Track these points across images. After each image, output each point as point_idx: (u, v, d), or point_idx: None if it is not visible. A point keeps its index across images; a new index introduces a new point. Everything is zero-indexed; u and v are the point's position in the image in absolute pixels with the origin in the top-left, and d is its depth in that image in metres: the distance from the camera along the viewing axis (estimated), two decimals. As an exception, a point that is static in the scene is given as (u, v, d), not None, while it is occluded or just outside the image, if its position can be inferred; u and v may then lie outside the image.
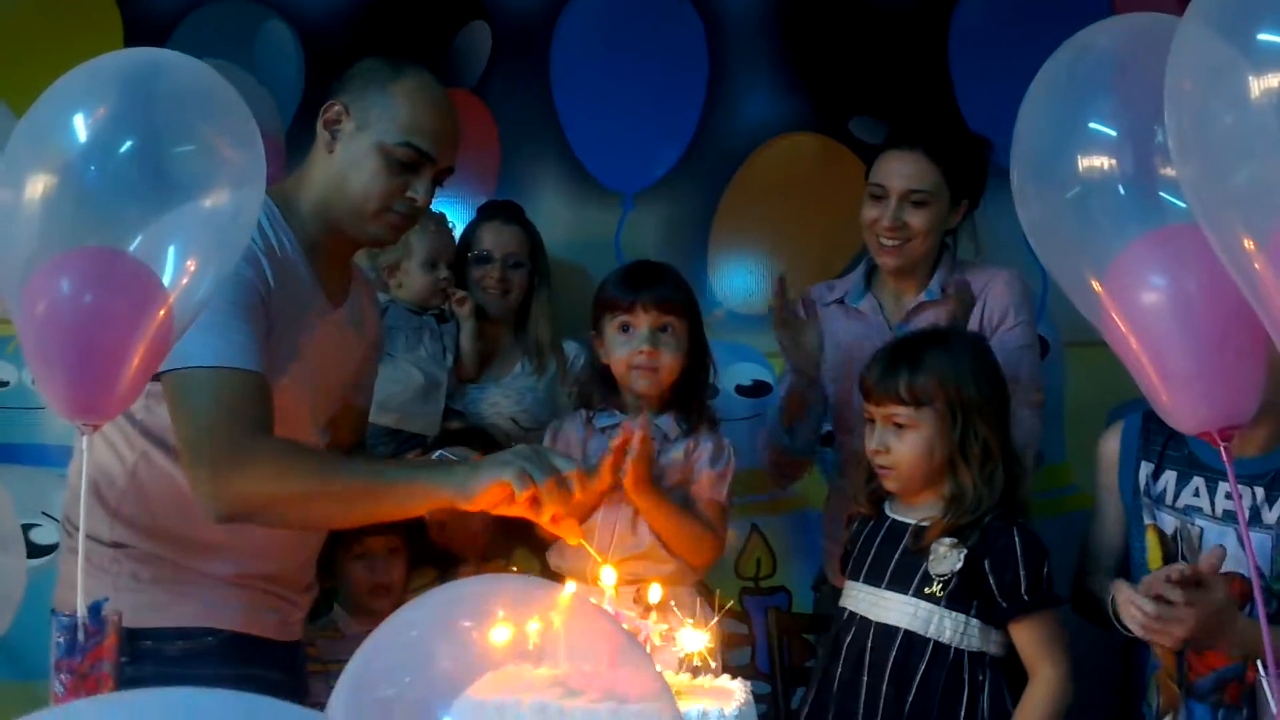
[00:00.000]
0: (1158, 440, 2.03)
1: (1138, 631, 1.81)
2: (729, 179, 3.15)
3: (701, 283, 3.08)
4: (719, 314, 3.10)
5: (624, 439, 2.00)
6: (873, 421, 2.00)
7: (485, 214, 2.86)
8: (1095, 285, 1.39)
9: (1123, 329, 1.39)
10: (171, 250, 1.42)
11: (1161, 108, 1.28)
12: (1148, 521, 2.00)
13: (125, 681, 1.64)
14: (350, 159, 1.85)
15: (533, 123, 3.16)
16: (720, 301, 3.15)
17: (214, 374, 1.67)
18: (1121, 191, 1.39)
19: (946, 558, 1.91)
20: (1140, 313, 1.38)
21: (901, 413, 1.95)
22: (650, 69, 3.16)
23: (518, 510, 1.66)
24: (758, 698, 1.59)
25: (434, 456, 1.87)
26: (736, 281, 3.18)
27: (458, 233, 2.84)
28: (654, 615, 1.61)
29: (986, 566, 1.90)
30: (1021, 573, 1.89)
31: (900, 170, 2.39)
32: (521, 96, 3.16)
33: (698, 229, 3.15)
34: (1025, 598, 1.90)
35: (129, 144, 1.40)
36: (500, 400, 2.72)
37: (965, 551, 1.90)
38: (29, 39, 3.05)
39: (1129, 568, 2.06)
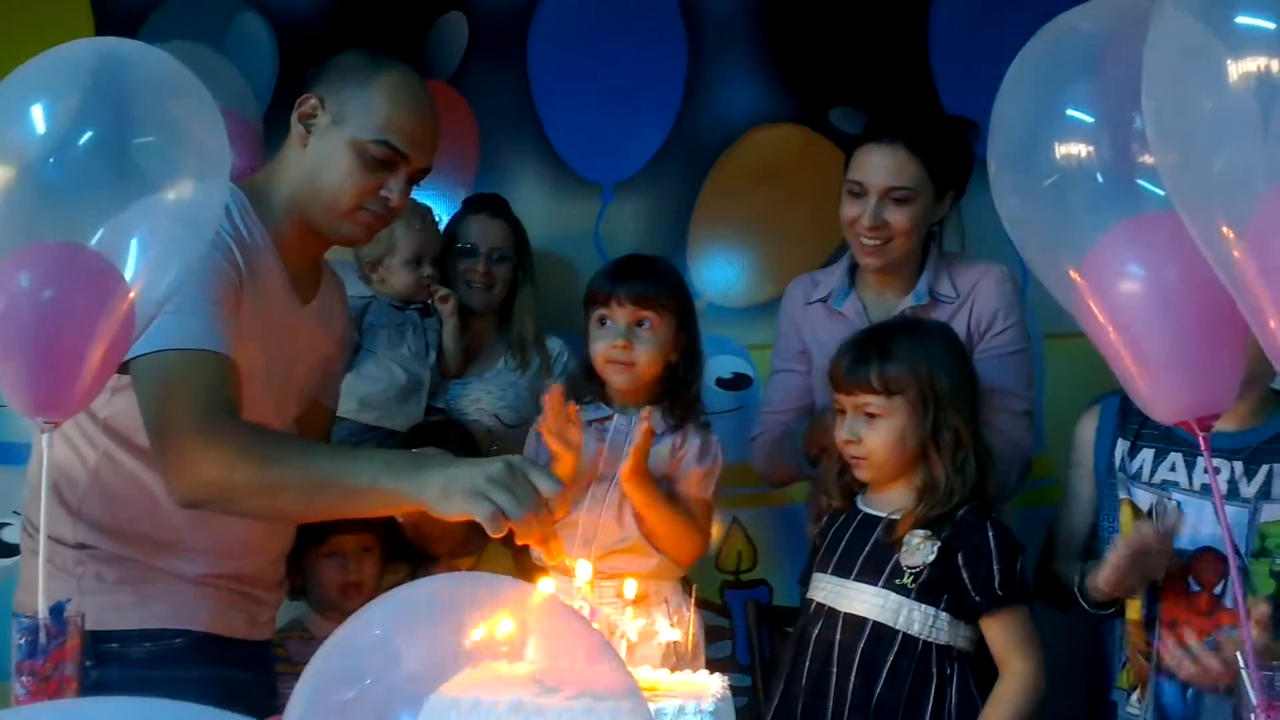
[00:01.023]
0: (1135, 418, 2.02)
1: (1106, 585, 1.82)
2: (709, 170, 3.13)
3: (682, 274, 3.02)
4: (700, 305, 3.05)
5: (552, 402, 1.95)
6: (843, 412, 1.99)
7: (471, 207, 2.83)
8: (1073, 274, 1.38)
9: (1100, 318, 1.37)
10: (133, 244, 1.40)
11: (1136, 95, 1.27)
12: (1122, 496, 2.00)
13: (90, 685, 1.62)
14: (324, 154, 1.82)
15: (510, 114, 3.14)
16: (700, 293, 3.09)
17: (180, 355, 1.62)
18: (1099, 179, 1.37)
19: (919, 549, 1.91)
20: (1118, 302, 1.37)
21: (873, 402, 1.94)
22: (629, 59, 3.13)
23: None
24: (737, 691, 1.57)
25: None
26: (717, 273, 3.16)
27: (442, 225, 2.82)
28: (631, 610, 1.59)
29: (960, 560, 1.90)
30: (995, 567, 1.89)
31: (880, 165, 2.28)
32: (499, 88, 3.14)
33: (678, 220, 3.12)
34: (999, 592, 1.89)
35: (89, 135, 1.37)
36: (483, 396, 2.70)
37: (939, 544, 1.90)
38: (-2, 32, 3.00)
39: (1095, 550, 2.05)
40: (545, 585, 1.56)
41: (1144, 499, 1.99)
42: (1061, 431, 2.91)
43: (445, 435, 2.42)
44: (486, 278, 2.73)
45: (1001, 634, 1.91)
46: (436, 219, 2.77)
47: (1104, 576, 1.87)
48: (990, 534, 1.91)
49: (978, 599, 1.89)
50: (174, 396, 1.62)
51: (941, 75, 3.10)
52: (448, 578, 1.15)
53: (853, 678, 1.90)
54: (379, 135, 1.80)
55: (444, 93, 3.08)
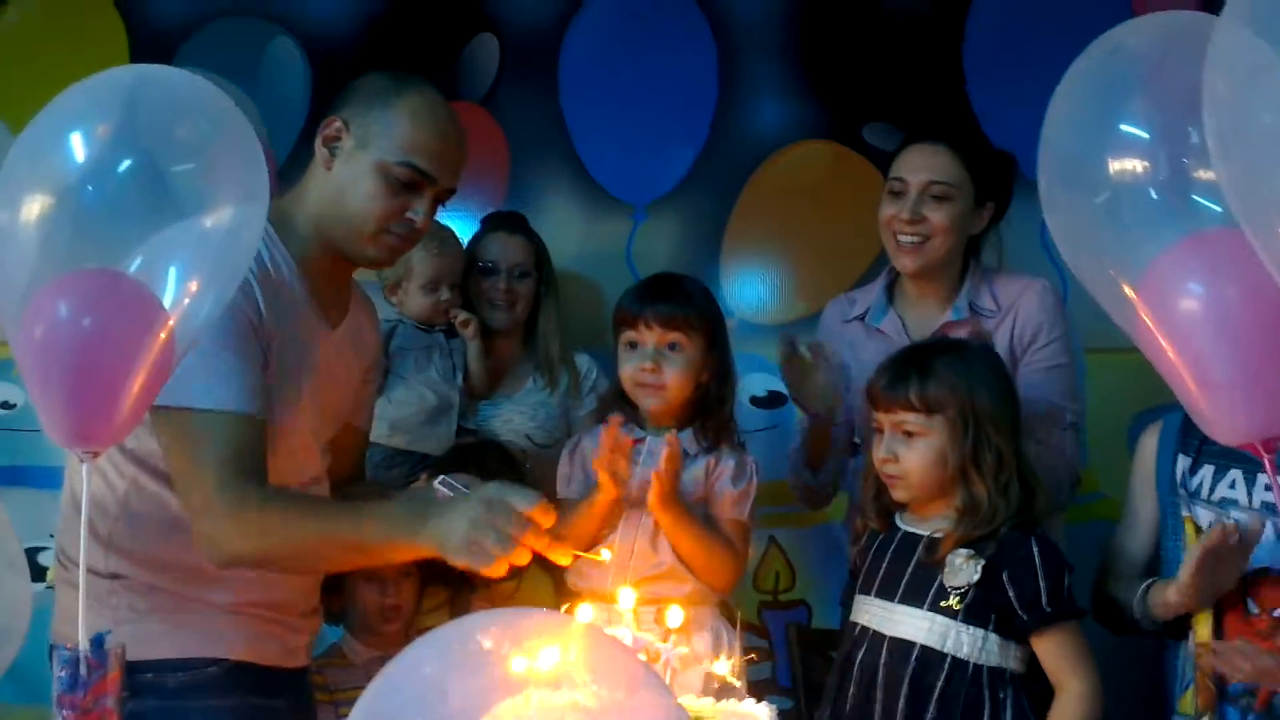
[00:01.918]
0: (1196, 434, 1.97)
1: (1179, 595, 1.79)
2: (741, 188, 3.10)
3: (715, 292, 2.92)
4: (732, 324, 3.02)
5: (611, 435, 1.94)
6: (880, 431, 1.95)
7: (489, 225, 2.81)
8: (1129, 292, 1.34)
9: (1159, 337, 1.34)
10: (172, 271, 1.39)
11: (1194, 109, 1.24)
12: (1184, 514, 1.95)
13: (127, 717, 1.61)
14: (348, 177, 1.80)
15: (542, 135, 3.11)
16: (733, 311, 3.07)
17: (210, 419, 1.65)
18: (1154, 195, 1.34)
19: (963, 569, 1.87)
20: (1177, 320, 1.33)
21: (911, 420, 1.91)
22: (660, 78, 3.11)
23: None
24: (781, 715, 1.54)
25: (436, 483, 1.82)
26: (750, 291, 3.12)
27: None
28: (674, 638, 1.56)
29: (1005, 578, 1.86)
30: (1042, 584, 1.85)
31: (921, 162, 2.28)
32: (530, 109, 3.11)
33: (710, 239, 3.09)
34: (1047, 609, 1.85)
35: (128, 162, 1.36)
36: (513, 416, 2.67)
37: (983, 563, 1.86)
38: (32, 57, 3.01)
39: (1157, 573, 2.00)
40: (584, 613, 1.53)
41: (1204, 517, 1.94)
42: (1105, 447, 2.91)
43: (484, 455, 2.40)
44: (508, 295, 2.70)
45: (1054, 652, 1.86)
46: (459, 242, 2.75)
47: (1177, 585, 1.81)
48: (1035, 550, 1.87)
49: (1025, 617, 1.85)
50: (197, 462, 1.65)
51: (976, 88, 3.06)
52: (491, 614, 1.12)
53: (900, 703, 1.86)
54: (403, 157, 1.78)
55: (475, 114, 3.07)
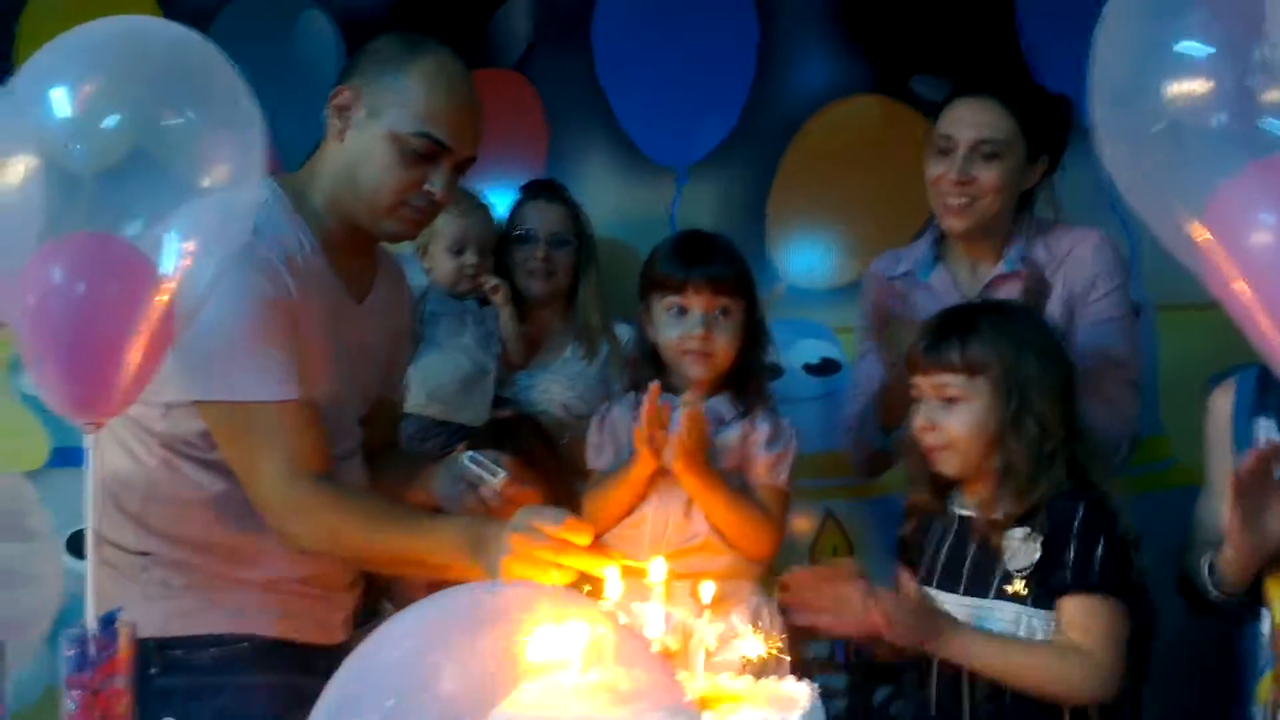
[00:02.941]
0: (1277, 390, 1.84)
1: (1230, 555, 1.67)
2: (785, 147, 3.02)
3: (761, 256, 2.96)
4: (780, 289, 2.94)
5: (651, 404, 1.87)
6: (918, 400, 1.85)
7: (528, 193, 2.75)
8: (1194, 228, 1.22)
9: (1229, 276, 1.21)
10: (169, 234, 1.33)
11: (1258, 23, 1.13)
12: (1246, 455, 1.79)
13: (155, 693, 1.61)
14: (361, 149, 1.74)
15: (578, 99, 3.05)
16: (781, 276, 3.01)
17: (263, 412, 1.66)
18: (1217, 120, 1.21)
19: (1022, 550, 1.76)
20: (1249, 256, 1.20)
21: (953, 383, 1.80)
22: (697, 35, 3.03)
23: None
24: (833, 693, 1.44)
25: (465, 459, 1.77)
26: (799, 254, 3.04)
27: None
28: (708, 614, 1.47)
29: (1051, 548, 1.75)
30: (1072, 549, 1.73)
31: (970, 119, 2.17)
32: (565, 73, 3.05)
33: (755, 201, 3.02)
34: (1067, 578, 1.73)
35: (117, 119, 1.30)
36: (551, 386, 2.61)
37: (1042, 539, 1.75)
38: (63, 29, 3.00)
39: None
40: (614, 586, 1.45)
41: None
42: (1178, 410, 2.79)
43: (520, 431, 2.34)
44: (546, 264, 2.64)
45: (1068, 622, 1.73)
46: (486, 206, 2.68)
47: (1227, 533, 1.68)
48: (1080, 514, 1.75)
49: (1051, 584, 1.74)
50: (257, 457, 1.66)
51: (1029, 34, 2.92)
52: (485, 586, 1.05)
53: (979, 695, 1.76)
54: (418, 127, 1.72)
55: (510, 80, 3.03)
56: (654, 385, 1.90)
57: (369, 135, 1.73)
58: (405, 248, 2.64)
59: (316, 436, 1.70)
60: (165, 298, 1.32)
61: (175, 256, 1.32)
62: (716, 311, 1.98)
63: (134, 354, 1.30)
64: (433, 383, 2.53)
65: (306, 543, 1.69)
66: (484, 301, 2.64)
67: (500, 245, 2.67)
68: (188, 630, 1.71)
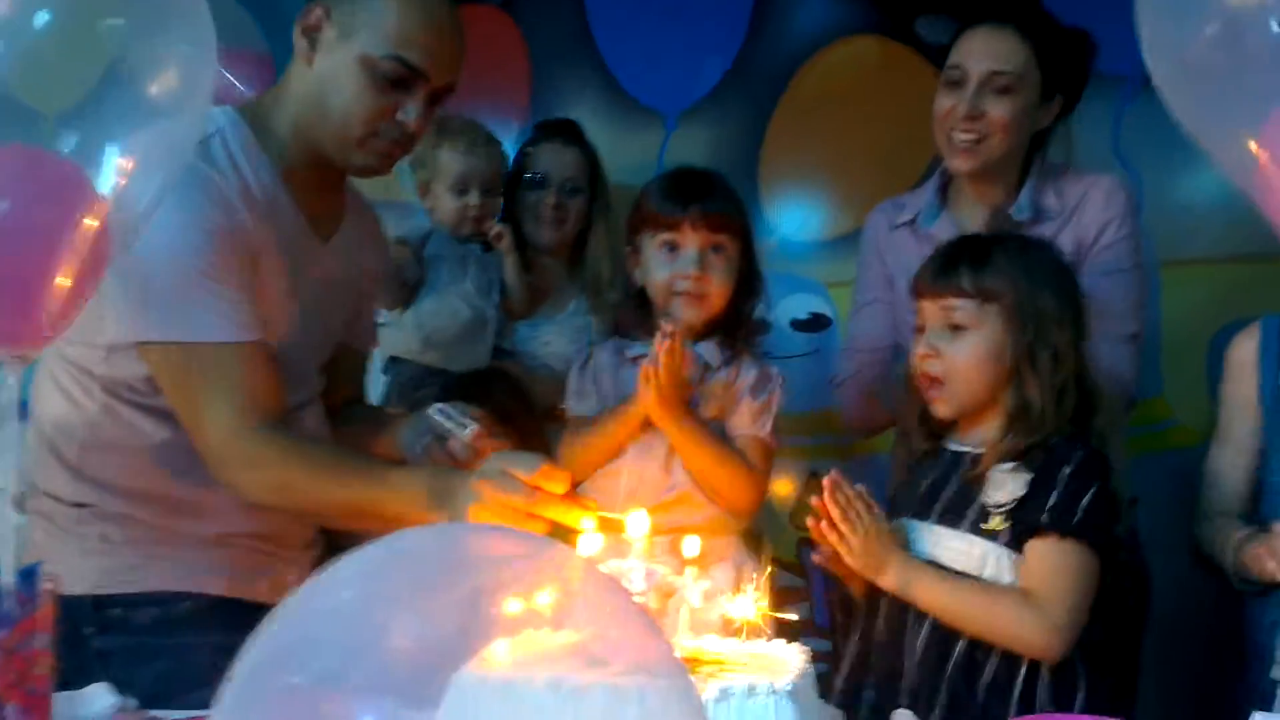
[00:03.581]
0: None
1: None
2: (782, 92, 2.92)
3: (753, 207, 2.80)
4: (772, 242, 2.89)
5: (676, 344, 1.77)
6: (922, 329, 1.73)
7: (541, 133, 2.62)
8: (1252, 146, 1.10)
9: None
10: (107, 148, 1.20)
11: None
12: None
13: (90, 656, 1.53)
14: (331, 73, 1.63)
15: (565, 38, 2.96)
16: (774, 228, 2.93)
17: (214, 353, 1.55)
18: (1277, 24, 1.09)
19: (1004, 484, 1.64)
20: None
21: (961, 308, 1.68)
22: (691, -27, 2.93)
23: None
24: (817, 656, 1.36)
25: (432, 411, 1.68)
26: (792, 205, 2.96)
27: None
28: (693, 571, 1.37)
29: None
30: (1057, 490, 1.61)
31: (983, 49, 2.06)
32: (552, 10, 2.97)
33: (748, 149, 2.94)
34: (1042, 517, 1.60)
35: (48, 17, 1.17)
36: (554, 339, 2.50)
37: (1029, 476, 1.63)
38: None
39: (1259, 506, 1.77)
40: (590, 540, 1.35)
41: None
42: (1180, 368, 2.73)
43: (491, 387, 2.23)
44: (558, 212, 2.52)
45: (1033, 562, 1.61)
46: (497, 143, 2.55)
47: (1272, 549, 1.59)
48: (1077, 459, 1.63)
49: (1025, 523, 1.61)
50: (205, 402, 1.56)
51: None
52: (447, 528, 0.93)
53: (927, 632, 1.64)
54: (391, 50, 1.60)
55: (494, 17, 2.94)
56: (672, 325, 1.79)
57: (338, 58, 1.62)
58: (412, 195, 2.53)
59: (269, 382, 1.60)
60: (98, 220, 1.19)
61: (112, 175, 1.20)
62: (711, 250, 1.87)
63: (62, 280, 1.17)
64: (429, 328, 2.42)
65: (254, 494, 1.59)
66: (487, 246, 2.52)
67: (509, 187, 2.54)
68: (127, 588, 1.62)
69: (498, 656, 0.93)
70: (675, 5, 2.91)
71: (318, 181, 1.72)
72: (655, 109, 2.95)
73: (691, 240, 1.87)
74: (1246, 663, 1.79)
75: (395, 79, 1.61)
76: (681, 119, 2.94)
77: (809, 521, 1.67)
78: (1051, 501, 1.61)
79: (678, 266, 1.87)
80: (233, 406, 1.55)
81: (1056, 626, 1.59)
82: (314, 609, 0.69)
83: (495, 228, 2.49)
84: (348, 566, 0.73)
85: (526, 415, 2.25)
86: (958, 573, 1.64)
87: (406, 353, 2.41)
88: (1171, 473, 2.36)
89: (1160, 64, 1.20)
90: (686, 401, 1.82)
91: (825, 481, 1.63)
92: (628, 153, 2.89)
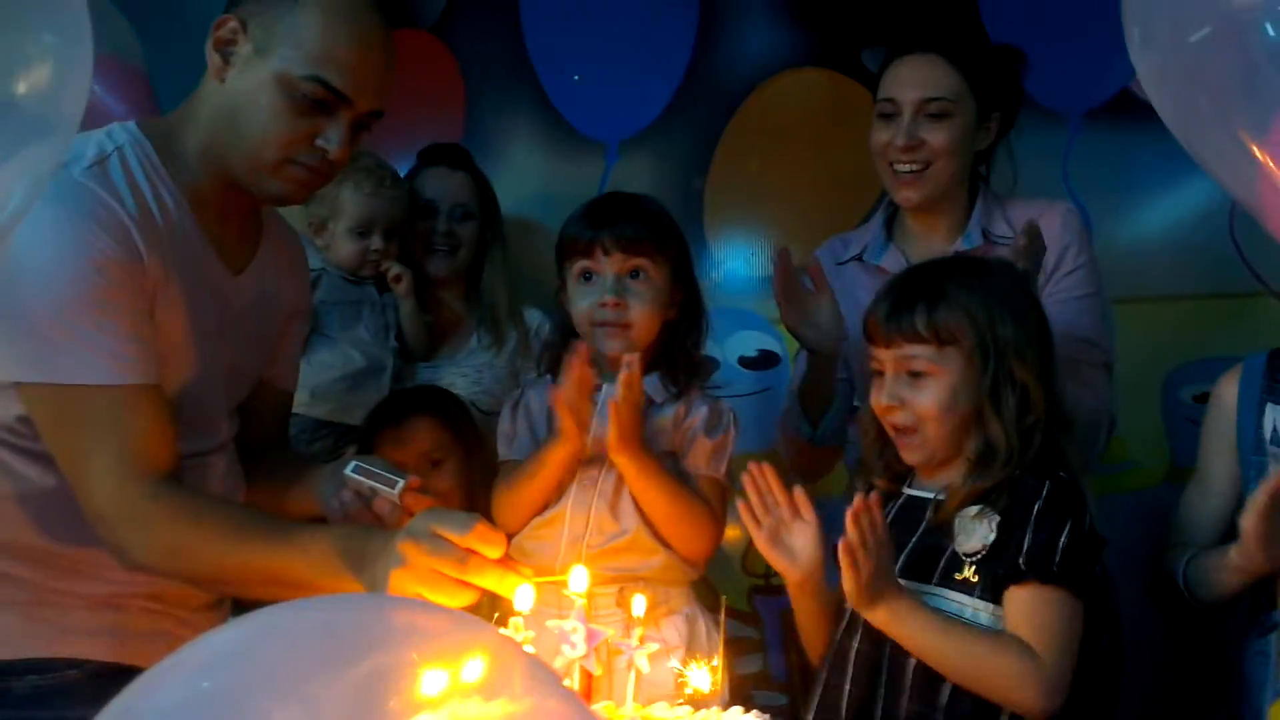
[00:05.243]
0: None
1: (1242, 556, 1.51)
2: (725, 123, 2.85)
3: (698, 241, 2.80)
4: (717, 277, 2.84)
5: (579, 366, 1.65)
6: (880, 374, 1.63)
7: (426, 158, 2.51)
8: (1254, 151, 1.00)
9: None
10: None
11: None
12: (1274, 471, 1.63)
13: None
14: (245, 92, 1.50)
15: (502, 65, 2.87)
16: (720, 262, 2.86)
17: (96, 397, 1.42)
18: (1272, 26, 1.00)
19: (975, 530, 1.54)
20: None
21: (921, 354, 1.59)
22: (634, 1, 2.86)
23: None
24: (771, 710, 1.28)
25: (348, 469, 1.53)
26: (737, 239, 2.88)
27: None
28: (638, 632, 1.23)
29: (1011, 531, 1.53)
30: (1029, 533, 1.51)
31: (911, 77, 2.03)
32: (488, 35, 2.87)
33: (692, 181, 2.85)
34: (1021, 565, 1.50)
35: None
36: (456, 381, 2.36)
37: (997, 519, 1.53)
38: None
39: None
40: (523, 596, 1.21)
41: None
42: (1135, 409, 2.67)
43: (417, 412, 2.08)
44: (449, 239, 2.42)
45: (1017, 613, 1.50)
46: (403, 185, 2.44)
47: (1240, 540, 1.54)
48: (1044, 494, 1.53)
49: (1000, 571, 1.51)
50: (87, 452, 1.43)
51: (988, 6, 2.78)
52: (344, 601, 0.79)
53: (905, 702, 1.53)
54: (311, 70, 1.47)
55: (426, 42, 2.86)
56: (580, 344, 1.68)
57: (254, 76, 1.49)
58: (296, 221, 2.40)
59: (161, 430, 1.46)
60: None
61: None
62: (628, 275, 1.77)
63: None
64: (315, 379, 2.25)
65: (142, 557, 1.44)
66: (382, 287, 2.39)
67: (405, 226, 2.42)
68: (4, 654, 1.49)
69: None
70: (617, 32, 2.85)
71: (227, 206, 1.58)
72: (596, 139, 2.87)
73: (606, 265, 1.77)
74: (1230, 694, 1.72)
75: (316, 100, 1.48)
76: (623, 149, 2.86)
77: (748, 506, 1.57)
78: (1027, 544, 1.50)
79: (596, 294, 1.77)
80: (114, 457, 1.41)
81: (1050, 678, 1.48)
82: (162, 703, 0.53)
83: (395, 270, 2.36)
84: (205, 647, 0.58)
85: (474, 434, 2.11)
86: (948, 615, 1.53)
87: (295, 406, 2.21)
88: (1129, 516, 2.28)
89: (1147, 63, 1.11)
90: (643, 435, 1.70)
91: (860, 502, 1.48)
92: (567, 184, 2.82)
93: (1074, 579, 1.51)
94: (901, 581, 1.55)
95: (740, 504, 1.59)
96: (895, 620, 1.50)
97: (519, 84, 2.85)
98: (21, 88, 1.08)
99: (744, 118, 2.85)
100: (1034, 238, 1.87)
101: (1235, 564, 1.59)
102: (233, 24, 1.50)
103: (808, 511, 1.59)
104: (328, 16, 1.48)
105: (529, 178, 2.81)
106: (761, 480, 1.59)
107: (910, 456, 1.62)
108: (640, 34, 2.85)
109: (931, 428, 1.59)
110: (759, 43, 2.86)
